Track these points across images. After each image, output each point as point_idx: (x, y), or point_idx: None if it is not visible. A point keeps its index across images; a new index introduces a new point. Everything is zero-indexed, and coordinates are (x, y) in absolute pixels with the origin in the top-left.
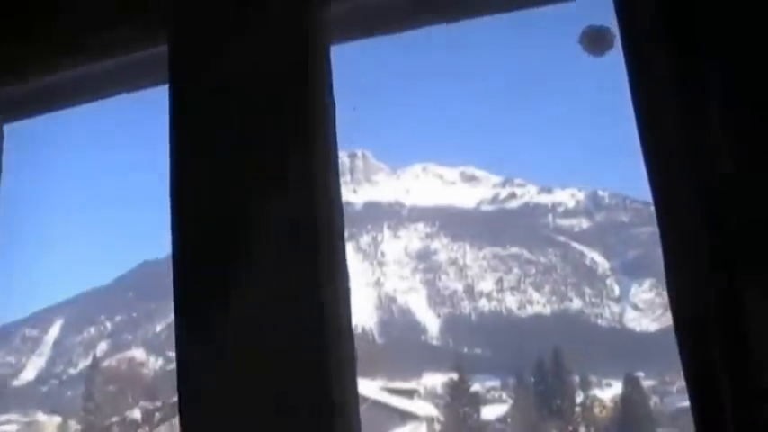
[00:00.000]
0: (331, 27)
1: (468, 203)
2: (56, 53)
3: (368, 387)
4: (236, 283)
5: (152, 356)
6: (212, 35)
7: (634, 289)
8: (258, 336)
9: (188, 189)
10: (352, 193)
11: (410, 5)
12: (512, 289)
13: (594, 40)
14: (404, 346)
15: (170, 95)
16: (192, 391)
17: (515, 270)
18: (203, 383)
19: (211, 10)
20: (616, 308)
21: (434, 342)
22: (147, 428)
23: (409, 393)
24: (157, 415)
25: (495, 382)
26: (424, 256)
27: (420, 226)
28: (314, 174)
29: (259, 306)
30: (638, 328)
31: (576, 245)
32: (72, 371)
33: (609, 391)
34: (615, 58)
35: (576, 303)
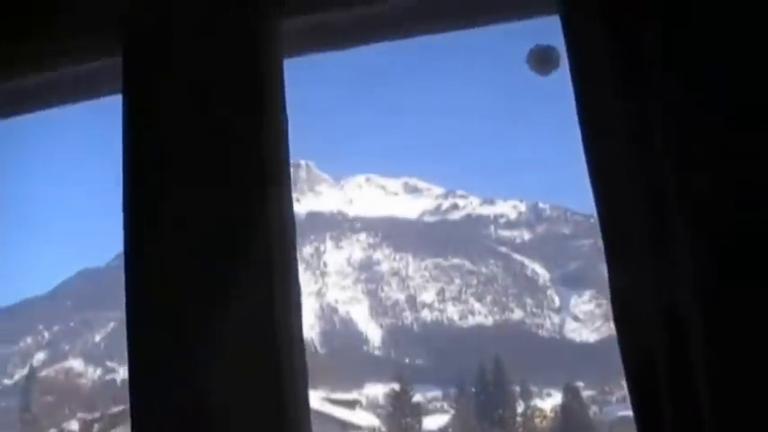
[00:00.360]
0: (285, 41)
1: (410, 214)
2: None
3: (309, 398)
4: (190, 297)
5: (90, 367)
6: (164, 46)
7: (574, 300)
8: (211, 348)
9: (141, 199)
10: (295, 203)
11: (365, 22)
12: (453, 299)
13: (541, 60)
14: (345, 357)
15: (123, 105)
16: (144, 405)
17: (457, 281)
18: (156, 397)
19: (165, 22)
20: (556, 318)
21: (376, 353)
22: None
23: (351, 404)
24: (96, 426)
25: (437, 393)
26: (366, 266)
27: (363, 236)
28: (267, 185)
29: (211, 319)
30: (577, 339)
31: (517, 256)
32: (7, 381)
33: (549, 401)
34: (559, 73)
35: (518, 314)
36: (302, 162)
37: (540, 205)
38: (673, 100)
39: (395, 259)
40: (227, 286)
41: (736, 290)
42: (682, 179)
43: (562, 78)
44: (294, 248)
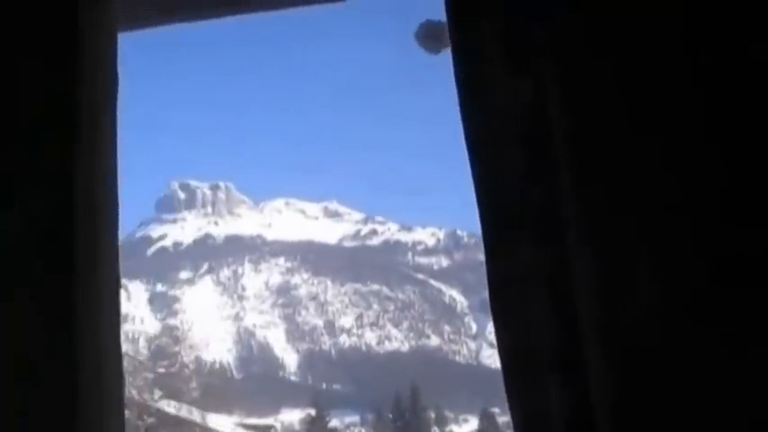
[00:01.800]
0: (119, 13)
1: (330, 239)
2: None
3: (224, 422)
4: None
5: None
6: None
7: (490, 327)
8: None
9: None
10: (214, 226)
11: None
12: (371, 325)
13: (431, 36)
14: (262, 382)
15: None
16: None
17: (375, 306)
18: None
19: None
20: (473, 345)
21: (293, 378)
22: None
23: (266, 429)
24: None
25: (354, 418)
26: (284, 290)
27: (281, 260)
28: (75, 175)
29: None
30: (494, 365)
31: (434, 283)
32: None
33: (466, 427)
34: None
35: (435, 340)
36: (222, 184)
37: (458, 232)
38: (570, 105)
39: (313, 284)
40: (25, 287)
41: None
42: (576, 187)
43: None
44: (106, 246)
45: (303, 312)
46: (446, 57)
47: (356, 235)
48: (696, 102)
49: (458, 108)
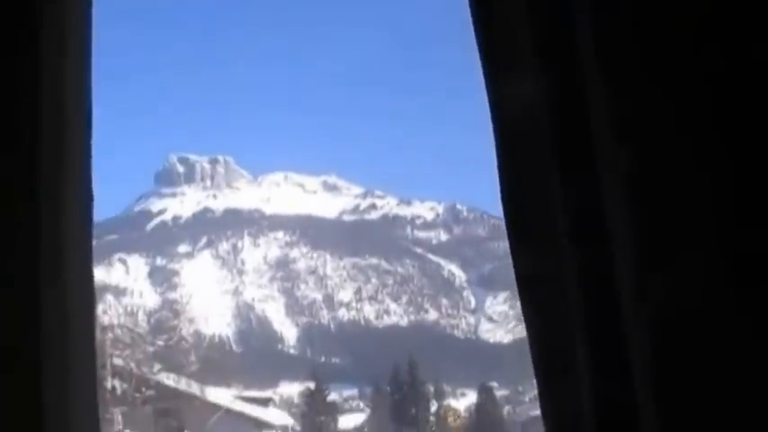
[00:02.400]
0: None
1: (329, 213)
2: None
3: (222, 395)
4: None
5: None
6: None
7: (489, 301)
8: None
9: None
10: (213, 199)
11: None
12: (370, 299)
13: None
14: (261, 355)
15: None
16: None
17: (374, 280)
18: None
19: None
20: (472, 319)
21: (292, 351)
22: None
23: (264, 402)
24: None
25: (353, 392)
26: (283, 264)
27: (280, 234)
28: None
29: None
30: (492, 340)
31: (433, 257)
32: None
33: (463, 401)
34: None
35: (433, 314)
36: (220, 157)
37: (458, 207)
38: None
39: (312, 258)
40: None
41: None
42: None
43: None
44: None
45: (302, 286)
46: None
47: (355, 209)
48: (705, 102)
49: (484, 92)
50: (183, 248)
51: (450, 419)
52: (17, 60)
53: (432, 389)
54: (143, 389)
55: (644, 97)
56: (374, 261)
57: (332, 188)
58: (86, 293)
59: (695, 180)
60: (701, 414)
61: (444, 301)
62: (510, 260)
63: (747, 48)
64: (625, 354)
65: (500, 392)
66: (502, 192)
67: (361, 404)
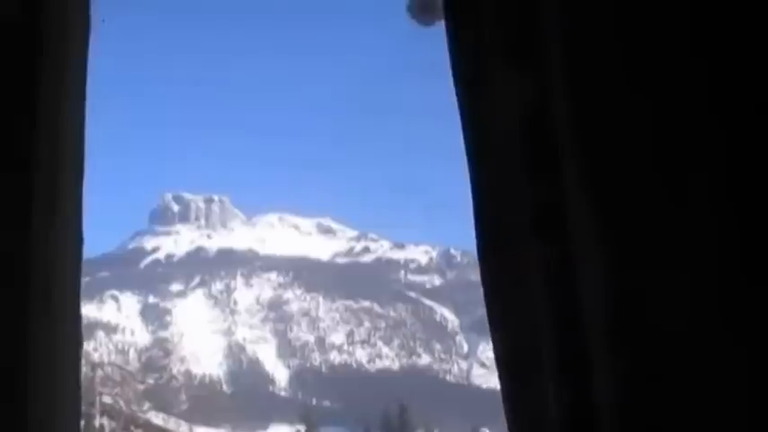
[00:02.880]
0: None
1: (323, 255)
2: None
3: None
4: None
5: None
6: None
7: (482, 347)
8: None
9: None
10: (207, 239)
11: None
12: (362, 342)
13: (423, 8)
14: (251, 396)
15: None
16: None
17: (366, 323)
18: None
19: None
20: (464, 364)
21: (283, 393)
22: None
23: None
24: None
25: None
26: (276, 305)
27: (273, 275)
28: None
29: None
30: (484, 385)
31: (426, 301)
32: None
33: None
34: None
35: (425, 359)
36: (216, 197)
37: (452, 251)
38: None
39: (305, 300)
40: None
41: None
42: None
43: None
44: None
45: (295, 328)
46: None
47: (349, 251)
48: (701, 95)
49: (456, 107)
50: (175, 287)
51: None
52: (15, 102)
53: None
54: (132, 427)
55: (604, 102)
56: (367, 304)
57: (326, 230)
58: (74, 328)
59: (652, 179)
60: (661, 416)
61: (437, 346)
62: None
63: (711, 48)
64: (588, 355)
65: None
66: (473, 193)
67: None
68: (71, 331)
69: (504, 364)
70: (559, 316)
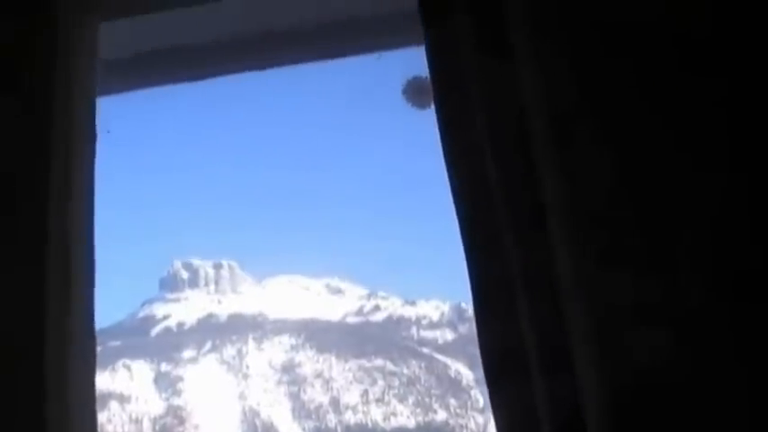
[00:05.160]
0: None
1: (333, 316)
2: None
3: None
4: None
5: None
6: None
7: None
8: None
9: None
10: (217, 304)
11: (208, 50)
12: (377, 401)
13: (419, 91)
14: None
15: None
16: None
17: (380, 382)
18: None
19: None
20: (480, 419)
21: None
22: None
23: None
24: None
25: None
26: (288, 368)
27: (285, 338)
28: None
29: None
30: None
31: (440, 356)
32: None
33: None
34: None
35: (441, 415)
36: (224, 262)
37: (462, 305)
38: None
39: (318, 361)
40: None
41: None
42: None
43: None
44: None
45: (308, 390)
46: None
47: (359, 311)
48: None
49: (434, 115)
50: (187, 354)
51: None
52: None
53: None
54: None
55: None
56: (380, 362)
57: (335, 291)
58: (89, 405)
59: (629, 176)
60: (652, 416)
61: (452, 401)
62: None
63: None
64: (570, 357)
65: None
66: (455, 200)
67: None
68: (87, 410)
69: (489, 367)
70: (543, 318)
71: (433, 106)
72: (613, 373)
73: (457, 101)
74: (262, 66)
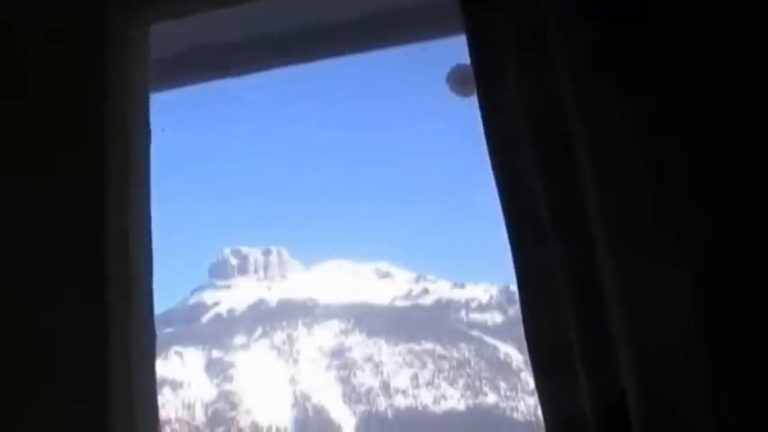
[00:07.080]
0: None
1: (382, 300)
2: None
3: None
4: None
5: None
6: None
7: None
8: None
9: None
10: (267, 290)
11: (249, 46)
12: (427, 384)
13: (462, 80)
14: None
15: None
16: None
17: (429, 365)
18: None
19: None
20: (531, 401)
21: None
22: None
23: None
24: None
25: None
26: (338, 353)
27: (335, 323)
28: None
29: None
30: None
31: (489, 339)
32: None
33: None
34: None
35: (491, 398)
36: (273, 249)
37: (512, 288)
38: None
39: (367, 345)
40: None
41: None
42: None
43: None
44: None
45: (358, 374)
46: None
47: (408, 294)
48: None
49: (477, 105)
50: (238, 340)
51: None
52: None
53: None
54: None
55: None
56: (429, 346)
57: (384, 275)
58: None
59: (656, 179)
60: (688, 412)
61: (502, 384)
62: None
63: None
64: (615, 351)
65: None
66: (500, 196)
67: None
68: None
69: (538, 362)
70: (584, 314)
71: (474, 95)
72: (648, 353)
73: (497, 90)
74: (309, 59)
